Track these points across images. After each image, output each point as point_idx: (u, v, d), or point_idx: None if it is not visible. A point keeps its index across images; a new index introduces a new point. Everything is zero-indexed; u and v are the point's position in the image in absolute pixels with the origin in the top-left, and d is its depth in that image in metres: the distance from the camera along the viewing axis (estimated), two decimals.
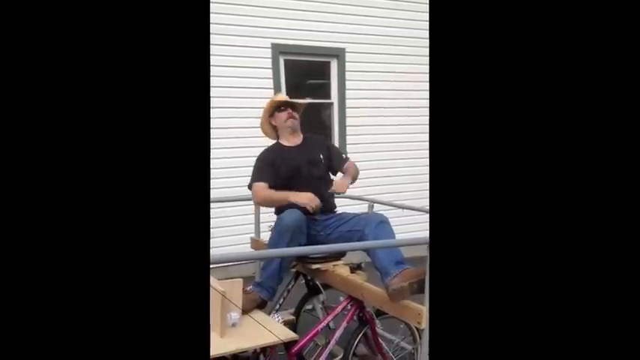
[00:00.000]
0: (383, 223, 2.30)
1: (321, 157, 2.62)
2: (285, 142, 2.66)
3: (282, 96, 2.72)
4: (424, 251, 1.79)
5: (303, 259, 2.49)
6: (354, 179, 2.64)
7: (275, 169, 2.53)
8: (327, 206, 2.56)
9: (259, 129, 2.78)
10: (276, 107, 2.64)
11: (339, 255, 2.49)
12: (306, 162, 2.57)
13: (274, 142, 2.72)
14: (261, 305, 2.31)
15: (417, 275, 2.02)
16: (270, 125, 2.71)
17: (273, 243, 2.29)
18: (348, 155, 2.94)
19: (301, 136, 2.69)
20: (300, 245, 2.28)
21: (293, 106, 2.64)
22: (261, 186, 2.49)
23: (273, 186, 2.51)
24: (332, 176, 2.72)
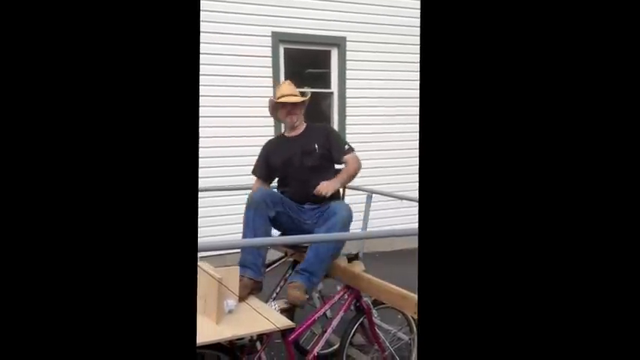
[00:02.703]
0: (335, 216, 2.32)
1: (316, 147, 2.58)
2: (286, 133, 2.74)
3: (284, 88, 2.64)
4: None
5: (299, 248, 2.50)
6: (350, 177, 2.56)
7: (268, 161, 2.66)
8: (316, 196, 2.51)
9: (256, 118, 2.83)
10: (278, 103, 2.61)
11: (343, 245, 2.50)
12: (299, 152, 2.57)
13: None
14: (254, 289, 2.30)
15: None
16: (275, 113, 2.76)
17: (244, 219, 2.35)
18: None
19: (304, 126, 2.68)
20: (269, 218, 2.34)
21: (293, 104, 2.58)
22: (255, 179, 2.73)
23: (266, 178, 2.69)
24: (337, 166, 2.68)
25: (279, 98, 2.58)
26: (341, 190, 2.68)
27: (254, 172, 2.73)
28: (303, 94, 2.68)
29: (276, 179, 2.73)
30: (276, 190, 2.67)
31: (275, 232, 2.58)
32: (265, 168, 2.68)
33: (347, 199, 2.72)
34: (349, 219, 2.35)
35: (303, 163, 2.55)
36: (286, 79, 4.77)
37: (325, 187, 2.41)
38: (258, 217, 2.30)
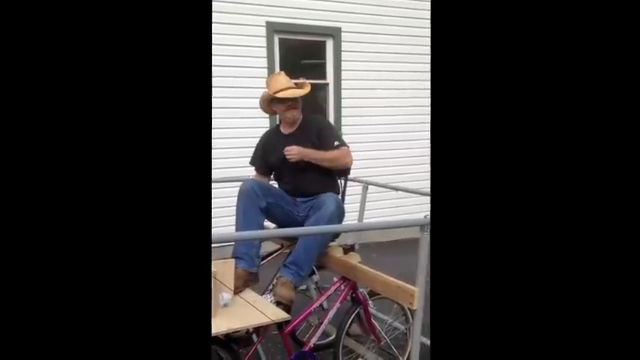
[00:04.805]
0: (321, 210, 2.29)
1: (310, 145, 2.47)
2: (282, 129, 2.63)
3: (281, 81, 2.48)
4: (418, 233, 1.81)
5: (294, 240, 2.49)
6: (327, 160, 2.43)
7: (264, 157, 2.64)
8: (308, 190, 2.49)
9: (250, 110, 2.77)
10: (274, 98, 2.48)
11: (331, 237, 2.49)
12: None
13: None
14: (249, 280, 2.26)
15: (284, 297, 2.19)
16: (269, 107, 2.62)
17: (236, 210, 2.33)
18: (344, 137, 2.77)
19: (300, 120, 2.57)
20: (260, 209, 2.32)
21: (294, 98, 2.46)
22: (254, 171, 2.72)
23: (264, 171, 2.66)
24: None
25: (276, 92, 2.43)
26: (341, 183, 2.66)
27: (252, 163, 2.72)
28: (297, 84, 2.54)
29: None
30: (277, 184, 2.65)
31: (271, 224, 2.57)
32: (263, 164, 2.66)
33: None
34: (338, 211, 2.32)
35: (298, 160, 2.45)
36: (281, 69, 4.72)
37: (294, 149, 2.37)
38: (249, 207, 2.30)
